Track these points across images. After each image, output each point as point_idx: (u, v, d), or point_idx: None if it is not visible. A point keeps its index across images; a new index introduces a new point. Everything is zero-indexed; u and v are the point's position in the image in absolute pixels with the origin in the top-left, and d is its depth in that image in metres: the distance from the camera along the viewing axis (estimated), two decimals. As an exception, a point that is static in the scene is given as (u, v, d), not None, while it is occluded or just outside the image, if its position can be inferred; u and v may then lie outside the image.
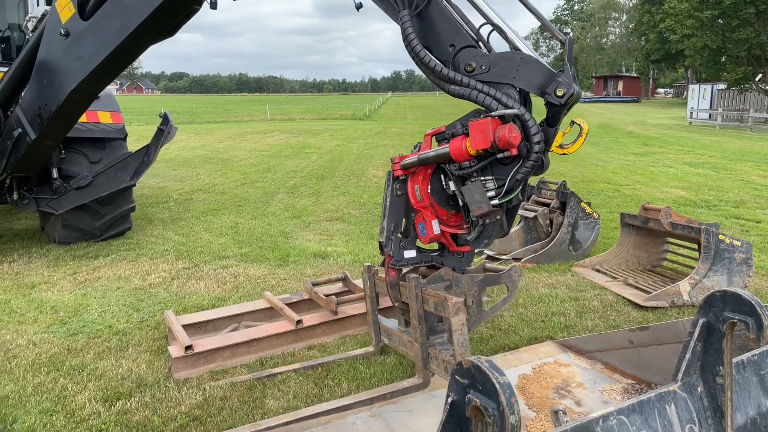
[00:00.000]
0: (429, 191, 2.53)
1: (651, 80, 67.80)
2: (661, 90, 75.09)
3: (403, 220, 2.68)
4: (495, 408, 1.27)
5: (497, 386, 1.26)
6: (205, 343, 3.38)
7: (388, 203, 2.59)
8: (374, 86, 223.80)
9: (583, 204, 5.71)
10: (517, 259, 5.62)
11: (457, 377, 1.39)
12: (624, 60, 72.84)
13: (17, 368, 3.35)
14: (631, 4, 67.76)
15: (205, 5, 3.37)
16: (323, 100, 76.40)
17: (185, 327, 3.53)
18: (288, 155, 14.82)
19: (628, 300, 4.43)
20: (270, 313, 3.95)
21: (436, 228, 2.49)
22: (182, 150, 16.27)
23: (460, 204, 2.55)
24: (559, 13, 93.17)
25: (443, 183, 2.60)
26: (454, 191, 2.52)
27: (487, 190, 2.31)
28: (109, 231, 6.20)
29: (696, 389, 1.92)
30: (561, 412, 1.81)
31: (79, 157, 5.91)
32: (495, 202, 2.30)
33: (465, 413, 1.37)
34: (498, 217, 2.39)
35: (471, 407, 1.34)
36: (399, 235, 2.62)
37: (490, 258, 5.85)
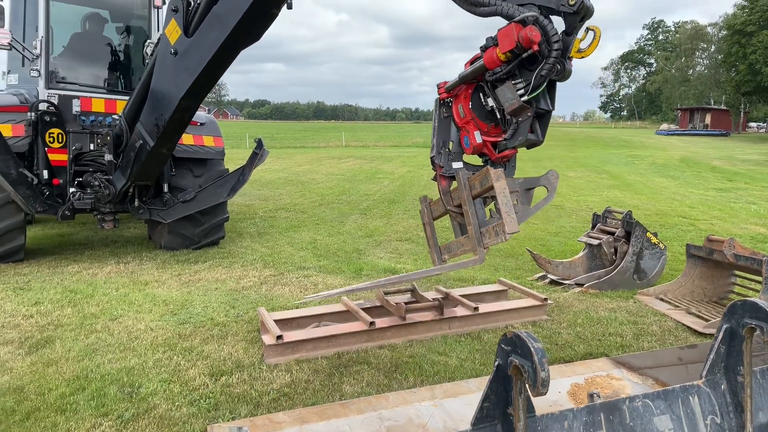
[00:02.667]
0: (470, 107, 2.87)
1: (742, 113, 64.00)
2: (753, 124, 70.59)
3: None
4: (530, 366, 1.67)
5: (532, 349, 1.66)
6: (292, 335, 3.93)
7: (436, 124, 3.01)
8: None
9: (648, 234, 5.84)
10: (580, 285, 5.83)
11: (503, 345, 1.80)
12: (712, 92, 69.35)
13: (139, 347, 4.04)
14: (720, 35, 64.70)
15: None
16: (395, 128, 78.11)
17: (275, 321, 4.09)
18: (362, 180, 15.57)
19: (687, 327, 4.55)
20: (346, 315, 4.45)
21: (478, 138, 2.83)
22: (266, 172, 17.50)
23: (498, 117, 2.86)
24: (642, 43, 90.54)
25: (482, 100, 2.92)
26: (492, 106, 2.85)
27: (517, 90, 2.63)
28: (206, 239, 7.08)
29: (719, 386, 2.19)
30: (595, 395, 2.16)
31: (186, 174, 6.86)
32: (525, 98, 2.60)
33: (507, 372, 1.77)
34: (529, 114, 2.67)
35: (512, 367, 1.74)
36: (447, 149, 3.02)
37: (553, 282, 6.09)
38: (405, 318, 4.25)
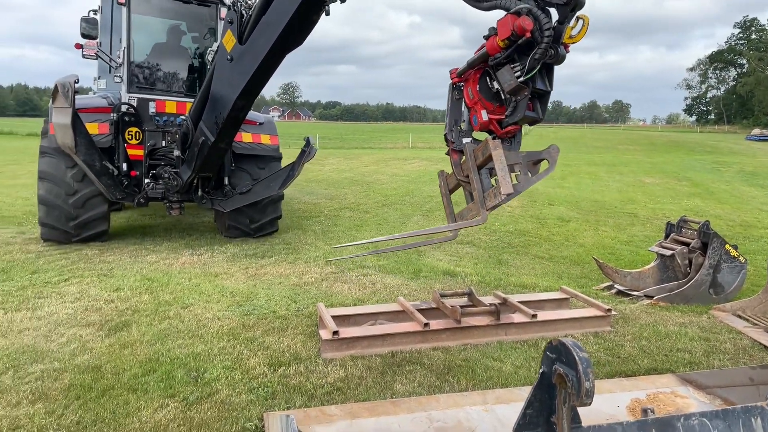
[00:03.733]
0: (478, 90, 3.22)
1: None
2: None
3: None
4: (574, 375, 1.64)
5: (576, 358, 1.64)
6: (348, 331, 4.03)
7: (449, 106, 3.39)
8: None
9: (727, 246, 5.49)
10: (650, 297, 5.57)
11: (548, 353, 1.78)
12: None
13: (206, 334, 4.28)
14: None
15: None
16: (465, 130, 77.00)
17: (333, 317, 4.21)
18: (426, 181, 15.58)
19: (765, 346, 4.24)
20: (402, 315, 4.50)
21: (485, 116, 3.17)
22: (332, 172, 17.90)
23: (502, 97, 3.18)
24: (733, 43, 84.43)
25: (488, 83, 3.27)
26: (497, 88, 3.18)
27: (515, 72, 2.97)
28: (261, 231, 7.74)
29: (788, 411, 2.05)
30: (650, 410, 2.10)
31: (244, 170, 7.56)
32: (521, 79, 2.93)
33: (552, 380, 1.75)
34: (526, 93, 2.99)
35: (556, 375, 1.72)
36: (459, 128, 3.40)
37: (620, 293, 5.85)
38: (460, 321, 4.24)
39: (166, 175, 6.91)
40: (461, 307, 4.35)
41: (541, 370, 1.81)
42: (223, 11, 7.40)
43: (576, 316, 4.60)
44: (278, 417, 2.68)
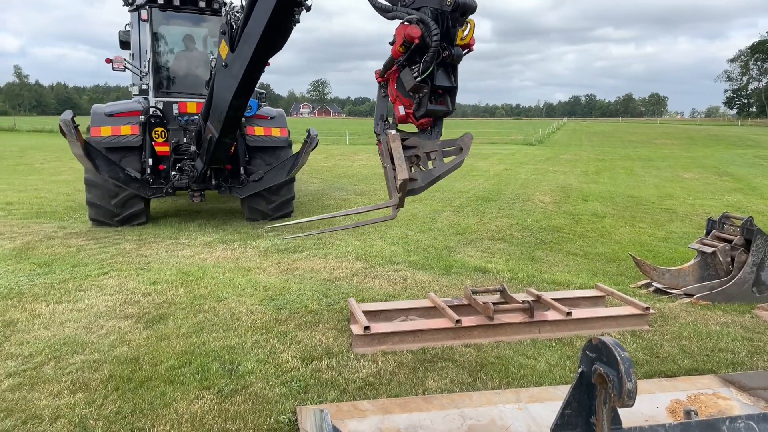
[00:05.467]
0: (396, 88, 3.53)
1: None
2: None
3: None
4: (615, 376, 1.59)
5: (618, 358, 1.59)
6: (380, 326, 4.03)
7: (377, 102, 3.73)
8: (549, 111, 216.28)
9: (773, 243, 5.27)
10: (690, 295, 5.39)
11: (587, 351, 1.73)
12: None
13: (240, 328, 4.35)
14: None
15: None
16: (494, 125, 76.45)
17: (364, 313, 4.22)
18: (455, 177, 15.44)
19: (815, 348, 4.06)
20: (433, 312, 4.48)
21: (402, 111, 3.50)
22: (362, 168, 17.93)
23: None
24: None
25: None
26: None
27: (413, 73, 3.29)
28: (279, 211, 8.58)
29: (843, 416, 1.95)
30: (692, 412, 2.02)
31: (257, 160, 8.49)
32: (418, 79, 3.24)
33: (591, 380, 1.71)
34: (425, 91, 3.28)
35: (597, 375, 1.67)
36: (385, 122, 3.72)
37: (658, 291, 5.69)
38: (492, 318, 4.19)
39: (186, 168, 7.89)
40: (493, 303, 4.30)
41: (579, 370, 1.76)
42: None
43: (613, 315, 4.49)
44: (312, 411, 2.69)
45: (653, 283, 5.77)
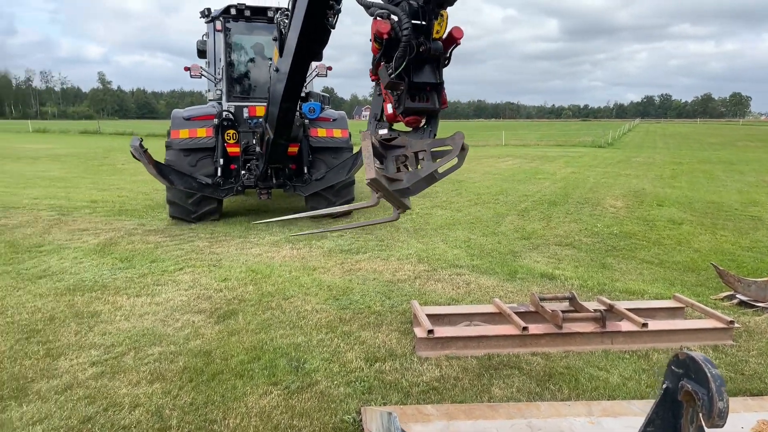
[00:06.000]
0: (384, 86, 3.41)
1: None
2: None
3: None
4: (705, 394, 1.49)
5: (709, 375, 1.49)
6: (443, 330, 3.99)
7: (372, 101, 3.67)
8: (620, 112, 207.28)
9: None
10: (778, 309, 5.00)
11: (673, 367, 1.63)
12: None
13: (306, 326, 4.44)
14: None
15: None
16: (560, 126, 74.10)
17: (427, 316, 4.19)
18: (520, 180, 15.11)
19: None
20: (498, 318, 4.38)
21: (389, 109, 3.40)
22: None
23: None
24: None
25: None
26: None
27: (388, 70, 3.19)
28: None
29: None
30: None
31: (320, 160, 8.92)
32: (392, 76, 3.14)
33: (677, 397, 1.60)
34: (402, 88, 3.21)
35: (684, 392, 1.57)
36: (378, 121, 3.61)
37: (742, 304, 5.31)
38: (561, 327, 4.05)
39: (253, 167, 8.43)
40: (562, 312, 4.16)
41: (664, 386, 1.66)
42: None
43: (692, 327, 4.23)
44: (378, 413, 2.70)
45: (737, 295, 5.39)
